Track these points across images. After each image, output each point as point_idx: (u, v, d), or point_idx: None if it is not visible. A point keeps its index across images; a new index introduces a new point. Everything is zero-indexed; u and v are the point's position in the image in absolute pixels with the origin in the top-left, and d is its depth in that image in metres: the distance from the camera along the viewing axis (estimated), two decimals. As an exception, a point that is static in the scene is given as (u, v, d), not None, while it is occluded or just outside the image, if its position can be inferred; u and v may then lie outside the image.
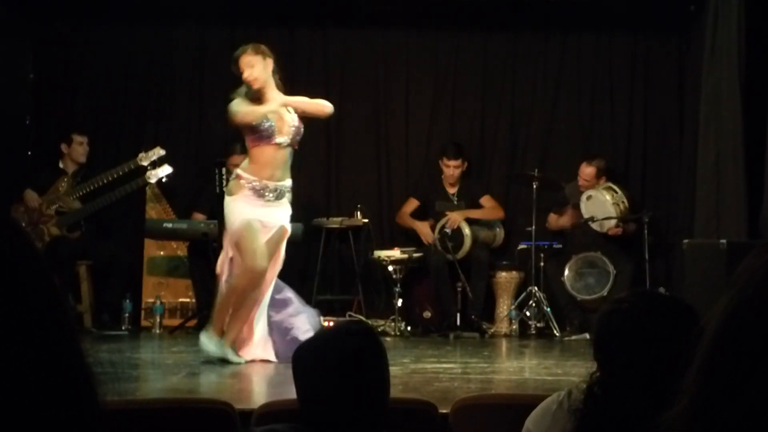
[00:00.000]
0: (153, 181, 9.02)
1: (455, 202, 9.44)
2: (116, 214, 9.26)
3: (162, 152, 9.01)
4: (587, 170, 9.27)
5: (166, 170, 8.97)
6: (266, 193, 6.59)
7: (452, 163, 9.38)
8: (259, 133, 6.60)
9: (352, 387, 2.43)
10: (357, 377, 2.44)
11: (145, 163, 8.98)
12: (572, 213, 9.34)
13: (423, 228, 9.38)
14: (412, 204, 9.56)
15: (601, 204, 9.02)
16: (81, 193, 8.98)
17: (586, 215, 9.06)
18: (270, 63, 6.73)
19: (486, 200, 9.55)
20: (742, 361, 0.91)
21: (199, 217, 9.29)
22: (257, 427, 3.37)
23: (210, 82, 10.01)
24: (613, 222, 9.04)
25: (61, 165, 9.19)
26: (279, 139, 6.60)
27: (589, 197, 9.08)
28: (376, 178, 9.97)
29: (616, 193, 9.09)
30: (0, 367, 0.90)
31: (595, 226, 9.04)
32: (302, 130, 6.74)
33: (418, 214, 9.55)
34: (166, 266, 9.62)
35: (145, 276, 9.54)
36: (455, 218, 9.19)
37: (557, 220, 9.48)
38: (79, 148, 9.18)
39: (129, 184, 8.97)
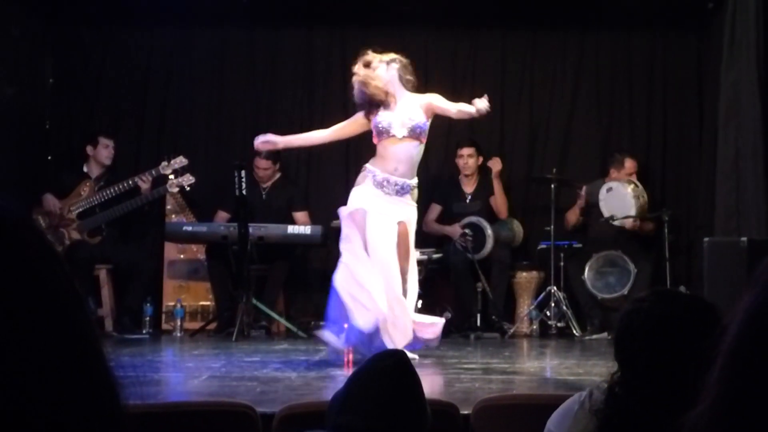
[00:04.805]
0: (175, 190, 9.04)
1: (468, 202, 9.45)
2: (137, 219, 9.28)
3: (185, 161, 9.02)
4: (629, 163, 9.35)
5: (188, 179, 8.98)
6: (385, 187, 6.89)
7: (465, 151, 9.42)
8: (378, 132, 6.99)
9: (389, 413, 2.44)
10: (393, 400, 2.45)
11: (167, 172, 9.00)
12: (580, 209, 9.32)
13: (450, 228, 9.37)
14: (435, 209, 9.54)
15: (622, 197, 8.98)
16: (103, 199, 9.00)
17: (605, 209, 9.01)
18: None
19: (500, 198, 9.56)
20: (765, 361, 0.90)
21: (223, 215, 9.32)
22: (279, 431, 3.38)
23: (230, 85, 10.05)
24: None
25: (85, 168, 9.22)
26: (396, 132, 6.92)
27: (609, 189, 9.05)
28: (395, 179, 9.96)
29: (638, 186, 9.06)
30: (22, 371, 0.90)
31: (616, 223, 9.01)
32: (420, 124, 6.96)
33: (443, 220, 9.53)
34: (187, 269, 9.64)
35: (165, 279, 9.57)
36: (496, 162, 9.41)
37: (572, 211, 9.44)
38: (104, 151, 9.20)
39: (151, 192, 8.99)
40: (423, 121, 6.97)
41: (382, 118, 6.96)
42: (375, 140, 7.08)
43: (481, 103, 6.89)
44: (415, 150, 6.98)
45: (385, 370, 2.50)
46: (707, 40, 9.56)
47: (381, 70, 7.06)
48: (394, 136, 6.91)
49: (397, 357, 2.57)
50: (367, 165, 7.05)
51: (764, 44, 8.14)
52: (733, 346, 0.94)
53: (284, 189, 9.53)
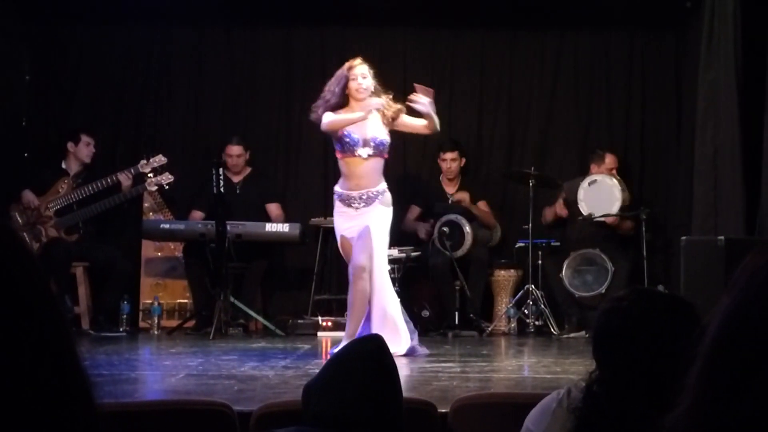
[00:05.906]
0: (153, 188, 9.00)
1: (449, 202, 9.45)
2: (114, 216, 9.24)
3: (164, 160, 8.99)
4: (609, 158, 9.36)
5: (167, 178, 8.95)
6: (353, 203, 6.93)
7: (449, 155, 9.40)
8: (342, 145, 6.98)
9: (365, 398, 2.43)
10: (371, 384, 2.44)
11: (146, 170, 8.96)
12: (563, 202, 9.33)
13: (420, 226, 9.40)
14: (414, 211, 9.56)
15: (608, 189, 8.99)
16: (81, 196, 8.96)
17: (584, 206, 9.01)
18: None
19: (483, 205, 9.54)
20: (744, 362, 0.90)
21: (197, 214, 9.29)
22: (257, 429, 3.36)
23: (207, 83, 10.02)
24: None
25: (63, 165, 9.17)
26: (361, 152, 6.94)
27: (593, 182, 9.04)
28: (374, 176, 9.95)
29: (621, 182, 9.09)
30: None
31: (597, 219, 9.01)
32: (386, 142, 7.04)
33: (424, 220, 9.53)
34: (164, 267, 9.61)
35: (142, 277, 9.54)
36: (463, 196, 9.25)
37: (549, 210, 9.45)
38: (85, 149, 9.16)
39: (130, 190, 8.95)
40: (385, 137, 7.05)
41: (351, 131, 6.98)
42: (338, 155, 7.10)
43: (420, 99, 7.13)
44: (377, 166, 7.03)
45: (368, 354, 2.49)
46: (685, 39, 9.59)
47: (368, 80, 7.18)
48: (359, 156, 6.97)
49: (377, 341, 2.57)
50: (335, 187, 7.12)
51: (742, 43, 8.18)
52: (711, 349, 0.94)
53: (257, 183, 9.52)
